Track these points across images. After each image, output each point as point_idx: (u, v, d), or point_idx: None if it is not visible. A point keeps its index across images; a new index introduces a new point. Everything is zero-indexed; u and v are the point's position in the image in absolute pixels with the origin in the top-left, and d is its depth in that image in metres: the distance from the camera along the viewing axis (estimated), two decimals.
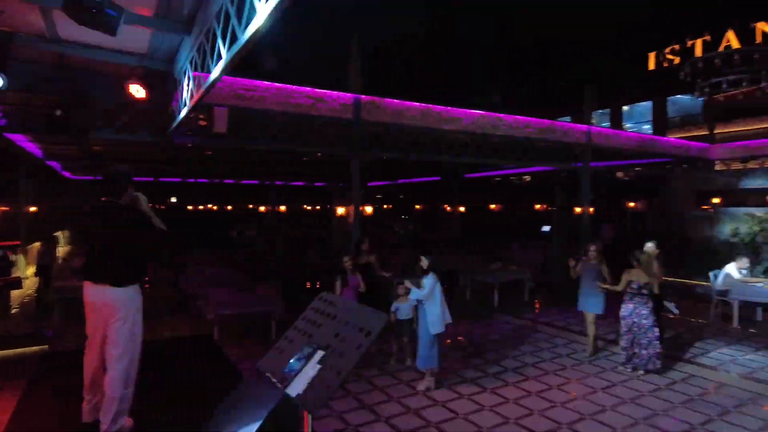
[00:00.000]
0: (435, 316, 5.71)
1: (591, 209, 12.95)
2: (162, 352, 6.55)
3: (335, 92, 8.84)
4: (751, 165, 17.89)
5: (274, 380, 2.00)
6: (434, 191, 22.51)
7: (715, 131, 19.43)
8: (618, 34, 26.25)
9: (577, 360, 6.95)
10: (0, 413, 4.40)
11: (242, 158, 15.57)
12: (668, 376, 6.27)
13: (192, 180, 23.92)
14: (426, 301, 5.73)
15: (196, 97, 5.06)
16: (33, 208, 18.55)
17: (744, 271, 9.14)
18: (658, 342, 6.25)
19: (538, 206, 24.63)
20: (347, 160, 9.53)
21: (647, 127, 28.94)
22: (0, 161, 14.82)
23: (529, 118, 11.69)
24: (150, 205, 3.78)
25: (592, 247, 7.17)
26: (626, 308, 6.40)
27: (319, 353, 1.93)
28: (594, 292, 6.91)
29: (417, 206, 29.25)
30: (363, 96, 9.08)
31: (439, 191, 21.60)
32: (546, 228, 20.44)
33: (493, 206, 26.07)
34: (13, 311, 9.44)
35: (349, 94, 8.98)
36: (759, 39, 20.73)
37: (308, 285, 11.76)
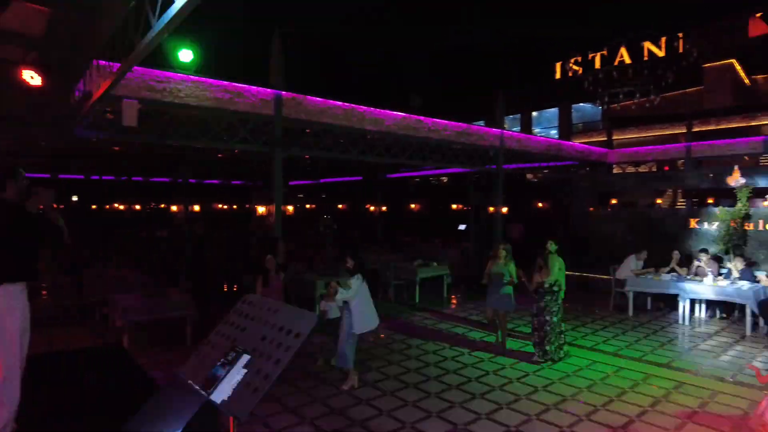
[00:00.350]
0: (359, 315, 5.74)
1: (504, 209, 13.66)
2: (64, 365, 6.02)
3: (255, 87, 8.58)
4: (642, 169, 19.80)
5: (197, 387, 1.89)
6: (356, 191, 22.62)
7: (613, 137, 21.28)
8: (528, 45, 27.99)
9: (492, 354, 7.29)
10: None
11: (153, 154, 14.67)
12: (574, 363, 6.76)
13: (96, 177, 22.14)
14: (351, 302, 5.74)
15: (103, 87, 4.68)
16: None
17: (641, 263, 10.10)
18: (562, 334, 6.73)
19: (455, 206, 25.55)
20: (268, 157, 9.29)
21: (554, 132, 31.09)
22: None
23: (447, 121, 12.08)
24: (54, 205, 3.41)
25: (501, 247, 7.50)
26: (537, 306, 6.79)
27: (245, 357, 1.86)
28: (503, 290, 7.26)
29: (339, 206, 29.21)
30: (284, 92, 8.90)
31: (362, 191, 21.74)
32: (462, 226, 21.26)
33: (413, 206, 26.67)
34: None
35: (269, 90, 8.75)
36: (646, 56, 23.14)
37: (225, 288, 11.33)
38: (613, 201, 19.51)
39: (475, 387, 5.90)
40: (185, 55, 7.48)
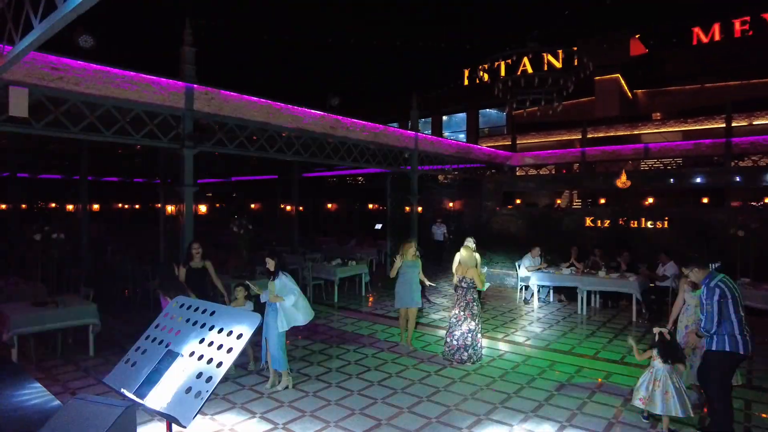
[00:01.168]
0: (291, 312, 5.64)
1: (419, 208, 14.07)
2: None
3: (164, 79, 8.08)
4: (543, 171, 21.33)
5: (128, 395, 1.76)
6: (271, 190, 22.09)
7: (517, 142, 22.73)
8: (438, 50, 29.02)
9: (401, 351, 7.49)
10: None
11: (43, 149, 13.30)
12: (487, 354, 7.13)
13: None
14: (283, 301, 5.62)
15: None
16: None
17: (537, 260, 10.87)
18: (469, 334, 6.84)
19: (371, 206, 25.84)
20: (176, 153, 8.79)
21: (462, 136, 32.49)
22: None
23: (364, 122, 12.20)
24: None
25: (411, 246, 7.62)
26: (460, 304, 6.86)
27: (181, 361, 1.76)
28: (413, 288, 7.38)
29: (253, 205, 28.32)
30: (197, 86, 8.48)
31: (277, 190, 21.27)
32: (378, 225, 21.57)
33: (330, 205, 26.58)
34: None
35: (180, 83, 8.29)
36: (546, 67, 25.03)
37: (126, 293, 10.57)
38: (518, 201, 20.86)
39: (396, 382, 6.03)
40: (83, 41, 6.88)
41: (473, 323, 6.75)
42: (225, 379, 5.99)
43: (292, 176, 17.83)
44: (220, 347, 1.77)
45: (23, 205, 23.01)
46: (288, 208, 19.12)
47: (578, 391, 5.74)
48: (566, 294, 10.78)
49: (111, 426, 3.14)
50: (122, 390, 1.83)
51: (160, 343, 1.95)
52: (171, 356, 1.83)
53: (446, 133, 33.17)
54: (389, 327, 8.64)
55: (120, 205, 27.25)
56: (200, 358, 1.78)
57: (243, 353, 6.34)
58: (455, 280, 6.96)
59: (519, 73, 27.72)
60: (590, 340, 7.95)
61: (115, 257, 12.49)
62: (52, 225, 8.73)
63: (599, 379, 6.12)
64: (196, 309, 1.99)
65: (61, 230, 8.34)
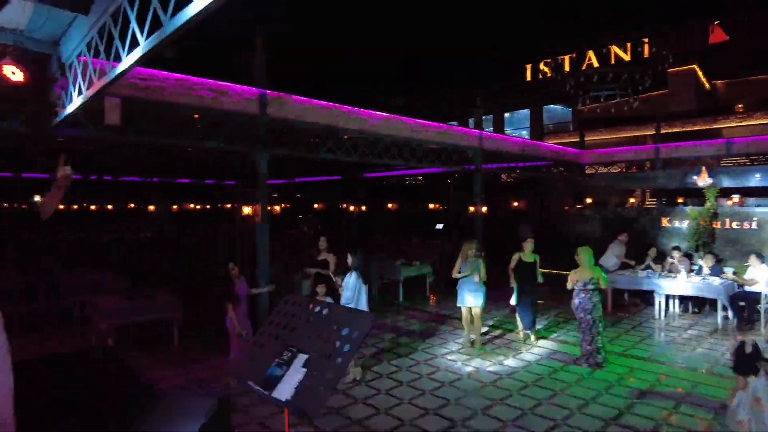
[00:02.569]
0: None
1: (484, 208, 13.87)
2: (53, 371, 5.81)
3: (240, 86, 8.46)
4: (613, 169, 20.42)
5: (255, 386, 1.89)
6: (334, 190, 22.53)
7: (585, 138, 21.85)
8: (498, 45, 28.43)
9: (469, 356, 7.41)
10: None
11: (130, 153, 14.30)
12: (558, 359, 6.93)
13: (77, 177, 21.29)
14: (350, 302, 5.75)
15: (96, 85, 4.55)
16: None
17: (624, 248, 10.56)
18: (599, 336, 6.59)
19: (432, 205, 25.77)
20: (250, 157, 9.16)
21: (525, 133, 31.69)
22: None
23: (428, 122, 12.18)
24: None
25: (472, 247, 7.53)
26: (573, 304, 6.71)
27: (301, 357, 1.86)
28: (474, 288, 7.30)
29: (316, 205, 29.03)
30: (269, 91, 8.81)
31: (339, 190, 21.67)
32: (439, 226, 21.46)
33: (390, 205, 26.75)
34: None
35: (254, 89, 8.64)
36: (613, 60, 23.93)
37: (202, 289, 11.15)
38: (588, 200, 20.05)
39: (467, 384, 6.00)
40: (169, 53, 7.31)
41: (600, 325, 6.62)
42: None
43: (354, 177, 18.14)
44: (338, 344, 1.85)
45: (109, 206, 24.82)
46: (351, 208, 19.44)
47: (661, 400, 5.46)
48: (641, 298, 10.28)
49: (209, 415, 3.36)
50: (249, 382, 1.96)
51: (276, 338, 2.05)
52: (290, 351, 1.93)
53: (508, 131, 32.46)
54: (456, 328, 8.58)
55: (191, 205, 28.74)
56: (320, 354, 1.85)
57: None
58: (575, 284, 6.68)
59: (585, 67, 26.77)
60: (671, 347, 7.53)
61: (191, 254, 13.23)
62: (138, 224, 9.38)
63: (679, 389, 5.79)
64: (307, 307, 2.09)
65: (147, 229, 8.95)
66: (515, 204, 21.15)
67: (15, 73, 5.30)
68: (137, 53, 3.46)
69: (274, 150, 9.10)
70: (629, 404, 5.33)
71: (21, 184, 19.55)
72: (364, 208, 20.33)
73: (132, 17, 3.47)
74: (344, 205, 21.03)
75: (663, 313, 9.30)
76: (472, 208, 13.88)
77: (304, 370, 1.83)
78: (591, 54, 26.50)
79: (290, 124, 9.34)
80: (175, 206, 21.55)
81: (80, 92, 5.15)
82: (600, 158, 19.68)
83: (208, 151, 13.62)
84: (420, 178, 27.68)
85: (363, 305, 5.80)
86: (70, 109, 5.55)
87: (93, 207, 24.09)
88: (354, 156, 10.79)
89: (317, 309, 2.09)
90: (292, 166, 20.41)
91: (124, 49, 3.72)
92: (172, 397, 3.39)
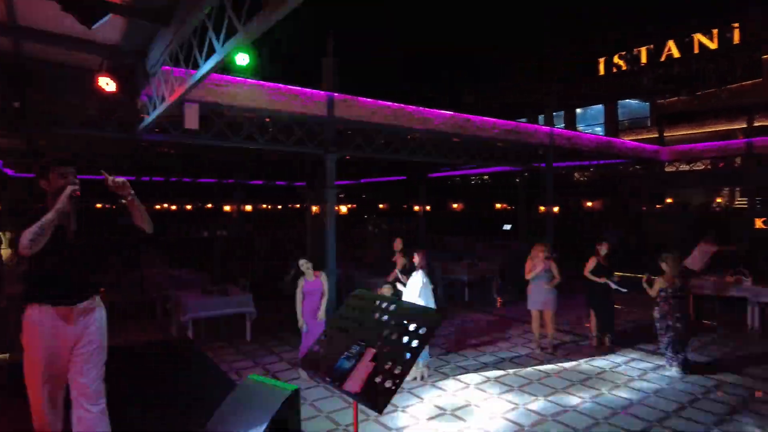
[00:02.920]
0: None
1: (556, 208, 13.38)
2: (141, 358, 6.28)
3: (309, 89, 8.72)
4: (696, 167, 18.97)
5: (326, 379, 1.94)
6: (398, 190, 22.62)
7: (665, 134, 20.53)
8: (569, 39, 27.28)
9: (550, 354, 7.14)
10: None
11: (206, 156, 15.14)
12: (640, 368, 6.54)
13: (146, 178, 23.02)
14: (417, 298, 5.76)
15: (177, 92, 4.85)
16: None
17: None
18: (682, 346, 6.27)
19: (499, 205, 25.22)
20: (318, 158, 9.39)
21: (599, 129, 30.21)
22: None
23: (495, 120, 11.93)
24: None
25: (543, 248, 7.28)
26: (657, 312, 6.40)
27: (370, 351, 1.88)
28: (545, 290, 7.07)
29: (381, 205, 29.31)
30: (337, 94, 9.00)
31: (404, 190, 21.73)
32: (507, 226, 20.95)
33: (455, 205, 26.49)
34: None
35: (322, 92, 8.87)
36: (697, 49, 22.20)
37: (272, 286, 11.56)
38: (668, 200, 18.80)
39: (536, 389, 5.80)
40: (241, 59, 7.68)
41: (684, 334, 6.30)
42: None
43: (419, 177, 18.09)
44: (407, 340, 1.85)
45: (188, 206, 26.40)
46: (415, 208, 19.44)
47: (753, 417, 5.00)
48: (731, 305, 9.46)
49: (280, 406, 3.47)
50: (317, 375, 2.01)
51: (346, 332, 2.09)
52: (359, 345, 1.96)
53: (580, 127, 31.11)
54: (525, 331, 8.33)
55: (264, 205, 29.95)
56: (388, 349, 1.87)
57: None
58: (660, 292, 6.36)
59: (664, 58, 25.14)
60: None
61: (263, 253, 13.80)
62: (215, 223, 9.90)
63: None
64: (375, 302, 2.12)
65: (224, 228, 9.42)
66: (589, 204, 20.22)
67: (109, 84, 5.77)
68: (213, 60, 3.65)
69: (342, 151, 9.30)
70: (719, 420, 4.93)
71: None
72: (428, 208, 20.26)
73: (209, 26, 3.66)
74: (408, 206, 21.04)
75: (757, 322, 8.52)
76: (542, 208, 13.41)
77: (372, 364, 1.84)
78: (671, 44, 24.82)
79: (357, 126, 9.50)
80: (248, 206, 22.55)
81: (163, 99, 5.51)
82: (682, 155, 18.34)
83: (279, 152, 14.14)
84: (486, 177, 27.17)
85: (430, 304, 5.78)
86: (154, 115, 5.95)
87: (173, 207, 25.73)
88: (419, 155, 10.78)
89: (385, 304, 2.11)
90: (358, 167, 20.74)
91: (201, 57, 3.94)
92: (245, 387, 3.55)
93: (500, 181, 24.77)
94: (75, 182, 2.82)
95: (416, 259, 5.93)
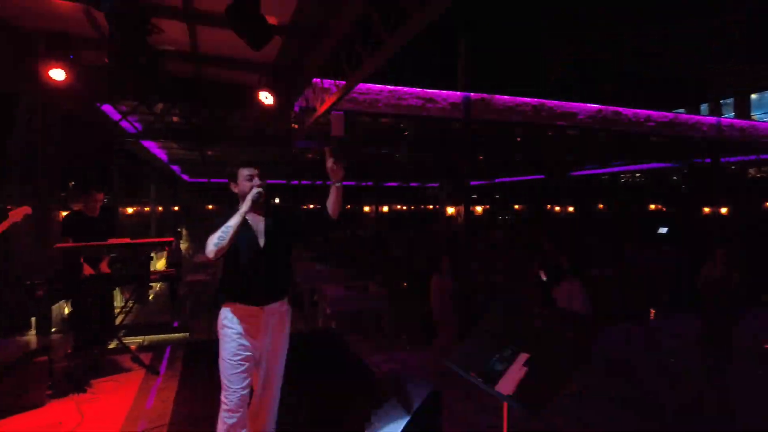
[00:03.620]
0: None
1: (724, 209, 11.71)
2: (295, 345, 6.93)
3: (444, 92, 8.80)
4: None
5: (477, 378, 1.98)
6: (534, 190, 21.62)
7: None
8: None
9: None
10: (166, 394, 4.85)
11: (350, 161, 16.10)
12: None
13: (296, 182, 25.24)
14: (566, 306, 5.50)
15: (329, 102, 5.26)
16: (159, 208, 20.58)
17: None
18: None
19: (652, 206, 22.79)
20: (452, 159, 9.42)
21: None
22: (132, 165, 16.55)
23: (649, 111, 10.83)
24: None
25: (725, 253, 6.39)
26: None
27: (523, 356, 1.88)
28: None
29: (516, 206, 28.34)
30: (472, 94, 8.94)
31: (543, 190, 20.72)
32: (663, 229, 18.82)
33: (600, 206, 24.52)
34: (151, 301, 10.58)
35: (458, 93, 8.89)
36: None
37: (405, 285, 11.84)
38: None
39: None
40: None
41: None
42: None
43: (558, 176, 17.12)
44: (566, 350, 1.81)
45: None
46: (556, 209, 18.42)
47: None
48: None
49: (421, 404, 3.57)
50: (470, 373, 2.05)
51: (494, 335, 2.09)
52: (511, 350, 1.95)
53: (755, 115, 26.76)
54: None
55: (399, 206, 30.89)
56: (546, 357, 1.84)
57: None
58: None
59: None
60: None
61: (399, 252, 14.22)
62: (355, 224, 10.45)
63: None
64: (530, 308, 2.09)
65: (360, 229, 9.93)
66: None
67: (267, 98, 6.44)
68: (362, 72, 3.89)
69: (477, 151, 9.22)
70: None
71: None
72: (571, 209, 19.06)
73: (358, 39, 3.91)
74: (548, 206, 20.02)
75: None
76: (706, 209, 11.84)
77: (526, 369, 1.82)
78: None
79: (493, 125, 9.34)
80: (385, 207, 23.48)
81: (315, 110, 5.99)
82: None
83: (414, 155, 14.49)
84: (638, 175, 24.69)
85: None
86: (307, 125, 6.50)
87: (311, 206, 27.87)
88: (560, 152, 10.23)
89: (539, 312, 2.07)
90: (492, 167, 20.31)
91: (349, 68, 4.22)
92: (387, 380, 3.70)
93: (654, 179, 22.35)
94: (260, 184, 2.91)
95: (565, 262, 5.64)
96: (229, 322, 2.97)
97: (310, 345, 7.06)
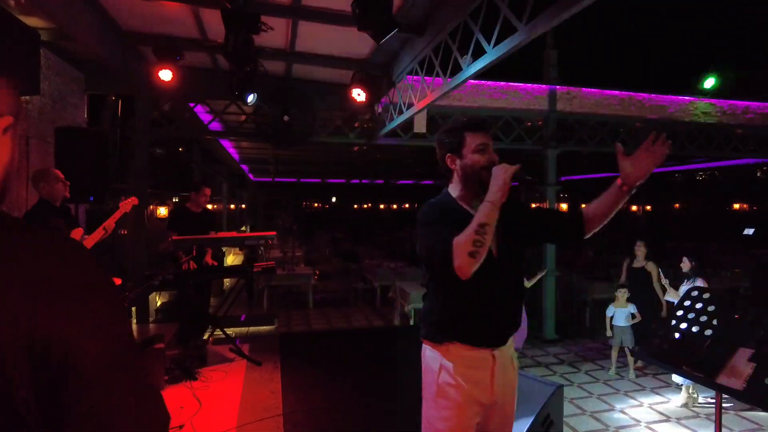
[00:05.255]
0: None
1: None
2: (373, 341, 6.96)
3: (529, 84, 8.54)
4: None
5: (694, 373, 1.85)
6: (602, 188, 20.61)
7: None
8: None
9: None
10: (273, 385, 4.97)
11: (406, 160, 16.09)
12: None
13: (356, 180, 25.50)
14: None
15: (430, 97, 5.25)
16: (231, 206, 21.36)
17: None
18: None
19: (737, 205, 21.33)
20: (540, 154, 9.07)
21: None
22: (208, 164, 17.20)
23: (747, 102, 10.06)
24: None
25: None
26: None
27: (744, 351, 1.73)
28: None
29: (583, 205, 27.23)
30: (559, 87, 8.63)
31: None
32: (749, 230, 17.53)
33: (676, 205, 23.22)
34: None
35: (543, 86, 8.60)
36: None
37: None
38: None
39: None
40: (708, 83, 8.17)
41: None
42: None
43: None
44: None
45: (393, 206, 28.43)
46: (633, 207, 17.57)
47: None
48: None
49: (546, 401, 3.48)
50: (684, 367, 1.90)
51: (700, 327, 1.94)
52: (723, 344, 1.80)
53: None
54: None
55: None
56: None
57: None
58: None
59: None
60: None
61: None
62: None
63: None
64: (730, 299, 1.94)
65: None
66: None
67: (360, 95, 6.45)
68: (483, 62, 3.80)
69: (562, 146, 8.87)
70: None
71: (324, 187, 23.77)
72: (648, 207, 18.13)
73: (475, 28, 3.82)
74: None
75: None
76: None
77: (752, 363, 1.67)
78: None
79: (581, 119, 8.99)
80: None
81: (410, 106, 5.96)
82: None
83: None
84: (716, 172, 23.15)
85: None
86: (398, 121, 6.48)
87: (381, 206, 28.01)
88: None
89: (743, 304, 1.92)
90: (573, 163, 19.60)
91: (465, 61, 4.14)
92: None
93: (737, 176, 20.88)
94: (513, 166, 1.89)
95: (686, 266, 5.32)
96: (450, 376, 1.92)
97: (387, 339, 7.11)
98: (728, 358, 1.71)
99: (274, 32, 5.20)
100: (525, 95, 8.47)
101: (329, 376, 5.33)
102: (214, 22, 5.23)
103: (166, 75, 5.95)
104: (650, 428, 4.72)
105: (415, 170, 19.87)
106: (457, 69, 4.34)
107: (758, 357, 1.65)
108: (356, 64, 6.51)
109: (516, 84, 8.41)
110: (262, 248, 12.41)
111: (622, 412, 5.11)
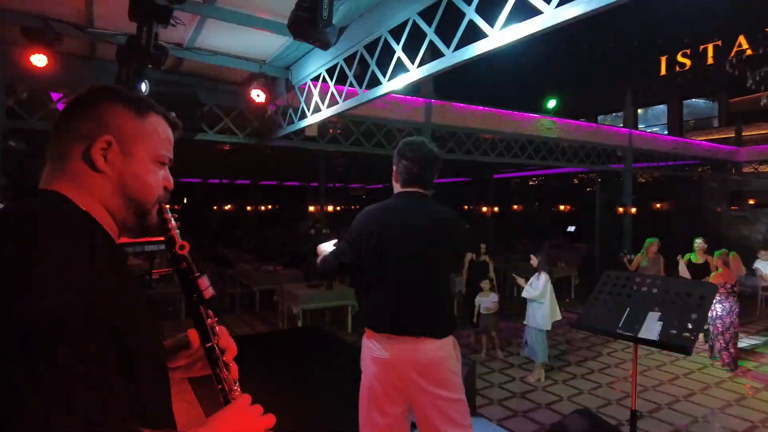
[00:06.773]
0: (543, 314, 6.07)
1: (633, 209, 13.43)
2: (277, 343, 6.99)
3: (410, 97, 9.26)
4: None
5: (619, 331, 2.42)
6: (461, 192, 22.85)
7: (743, 134, 19.93)
8: (629, 39, 26.62)
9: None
10: (185, 395, 4.76)
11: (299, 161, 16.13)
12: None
13: (215, 180, 24.39)
14: (535, 300, 6.11)
15: (337, 108, 5.52)
16: None
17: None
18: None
19: (562, 207, 25.14)
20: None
21: (658, 130, 29.49)
22: None
23: (578, 122, 12.17)
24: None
25: (654, 244, 7.73)
26: (723, 308, 6.58)
27: (652, 314, 2.35)
28: None
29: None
30: (434, 101, 9.50)
31: (468, 192, 21.98)
32: (571, 228, 20.89)
33: (515, 207, 26.53)
34: None
35: (421, 99, 9.39)
36: None
37: None
38: (751, 201, 18.34)
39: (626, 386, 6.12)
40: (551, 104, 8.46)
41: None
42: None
43: (486, 178, 18.36)
44: (688, 305, 2.32)
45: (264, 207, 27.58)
46: (483, 209, 19.72)
47: None
48: None
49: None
50: (610, 328, 2.49)
51: (611, 303, 2.57)
52: (634, 311, 2.43)
53: (641, 128, 30.47)
54: None
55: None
56: (674, 312, 2.33)
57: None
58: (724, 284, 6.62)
59: (733, 54, 24.37)
60: None
61: None
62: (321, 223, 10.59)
63: None
64: (637, 278, 2.60)
65: (329, 227, 10.11)
66: (657, 205, 20.00)
67: (259, 96, 6.47)
68: (404, 80, 4.21)
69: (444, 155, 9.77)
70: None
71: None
72: (496, 209, 20.49)
73: (371, 61, 4.23)
74: (467, 207, 21.36)
75: None
76: (620, 209, 13.52)
77: (661, 323, 2.30)
78: (742, 39, 23.90)
79: (452, 130, 9.98)
80: (329, 207, 23.73)
81: (314, 111, 6.16)
82: (762, 155, 17.82)
83: (384, 158, 14.83)
84: (542, 178, 27.02)
85: (548, 304, 6.09)
86: (301, 124, 6.63)
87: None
88: (506, 157, 11.13)
89: (649, 280, 2.59)
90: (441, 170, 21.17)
91: (386, 77, 4.52)
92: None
93: (561, 182, 24.63)
94: None
95: (534, 261, 6.30)
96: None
97: (305, 342, 7.21)
98: (643, 320, 2.35)
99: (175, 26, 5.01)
100: (405, 107, 9.19)
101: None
102: (103, 9, 4.92)
103: (39, 60, 5.33)
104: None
105: (278, 171, 19.84)
106: (375, 82, 4.68)
107: (664, 317, 2.31)
108: (257, 63, 6.49)
109: (398, 96, 9.06)
110: None
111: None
